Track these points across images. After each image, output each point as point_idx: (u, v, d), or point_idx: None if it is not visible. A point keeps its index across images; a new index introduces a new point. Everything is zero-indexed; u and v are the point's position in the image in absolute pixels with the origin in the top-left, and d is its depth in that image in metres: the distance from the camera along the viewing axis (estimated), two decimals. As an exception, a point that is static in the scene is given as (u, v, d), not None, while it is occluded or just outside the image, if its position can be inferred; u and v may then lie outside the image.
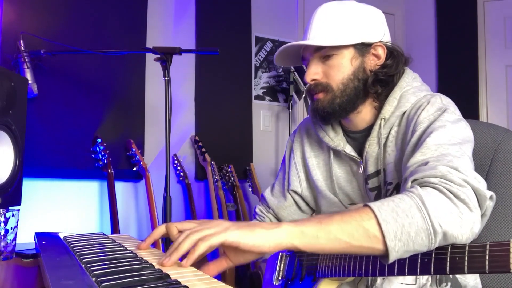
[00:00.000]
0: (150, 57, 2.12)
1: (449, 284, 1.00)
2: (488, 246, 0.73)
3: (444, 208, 0.76)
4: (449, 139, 0.89)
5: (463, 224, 0.76)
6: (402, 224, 0.75)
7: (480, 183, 0.81)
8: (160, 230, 0.90)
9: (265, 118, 3.04)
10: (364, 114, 1.09)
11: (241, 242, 0.74)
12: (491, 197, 0.81)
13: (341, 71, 1.04)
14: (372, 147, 1.06)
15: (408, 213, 0.75)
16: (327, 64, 1.05)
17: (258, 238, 0.75)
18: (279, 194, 1.27)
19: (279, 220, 1.27)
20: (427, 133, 0.92)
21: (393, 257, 0.76)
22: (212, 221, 0.83)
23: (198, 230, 0.77)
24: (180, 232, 0.84)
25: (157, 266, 0.70)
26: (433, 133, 0.90)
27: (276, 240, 0.76)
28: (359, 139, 1.11)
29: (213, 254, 1.86)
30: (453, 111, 0.97)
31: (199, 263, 0.79)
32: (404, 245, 0.75)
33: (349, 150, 1.10)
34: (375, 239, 0.75)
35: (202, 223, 0.85)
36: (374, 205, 0.77)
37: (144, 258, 0.76)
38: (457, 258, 0.77)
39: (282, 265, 1.23)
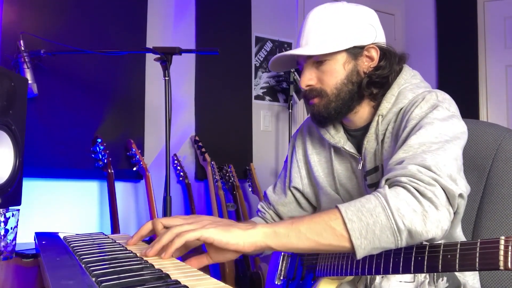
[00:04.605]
0: (150, 57, 2.12)
1: (445, 278, 1.00)
2: (479, 244, 0.75)
3: (409, 206, 0.79)
4: (434, 136, 0.89)
5: (428, 221, 0.79)
6: (366, 223, 0.79)
7: (456, 180, 0.83)
8: (147, 226, 0.94)
9: (265, 118, 3.04)
10: (361, 113, 1.10)
11: (215, 239, 0.79)
12: (461, 195, 0.82)
13: (334, 76, 1.05)
14: (370, 144, 1.07)
15: (373, 212, 0.79)
16: (321, 69, 1.06)
17: (232, 237, 0.80)
18: (280, 191, 1.29)
19: (280, 216, 1.29)
20: (414, 131, 0.93)
21: (360, 254, 0.80)
22: (199, 216, 0.87)
23: (179, 225, 0.82)
24: (166, 228, 0.89)
25: (156, 266, 0.69)
26: (419, 131, 0.91)
27: (251, 240, 0.80)
28: (358, 136, 1.12)
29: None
30: (446, 107, 0.96)
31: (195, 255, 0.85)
32: (370, 243, 0.79)
33: (348, 147, 1.11)
34: (342, 238, 0.80)
35: (189, 218, 0.90)
36: (342, 206, 0.82)
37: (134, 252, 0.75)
38: (449, 256, 0.78)
39: (284, 265, 1.24)
